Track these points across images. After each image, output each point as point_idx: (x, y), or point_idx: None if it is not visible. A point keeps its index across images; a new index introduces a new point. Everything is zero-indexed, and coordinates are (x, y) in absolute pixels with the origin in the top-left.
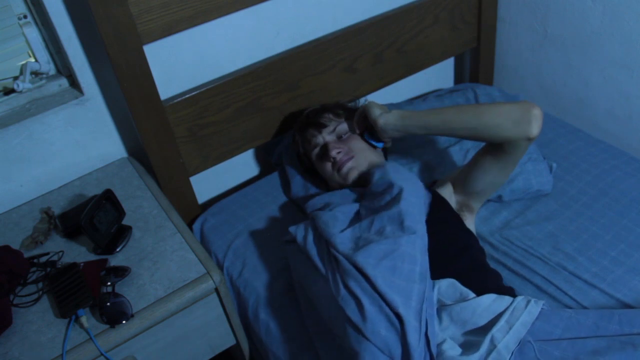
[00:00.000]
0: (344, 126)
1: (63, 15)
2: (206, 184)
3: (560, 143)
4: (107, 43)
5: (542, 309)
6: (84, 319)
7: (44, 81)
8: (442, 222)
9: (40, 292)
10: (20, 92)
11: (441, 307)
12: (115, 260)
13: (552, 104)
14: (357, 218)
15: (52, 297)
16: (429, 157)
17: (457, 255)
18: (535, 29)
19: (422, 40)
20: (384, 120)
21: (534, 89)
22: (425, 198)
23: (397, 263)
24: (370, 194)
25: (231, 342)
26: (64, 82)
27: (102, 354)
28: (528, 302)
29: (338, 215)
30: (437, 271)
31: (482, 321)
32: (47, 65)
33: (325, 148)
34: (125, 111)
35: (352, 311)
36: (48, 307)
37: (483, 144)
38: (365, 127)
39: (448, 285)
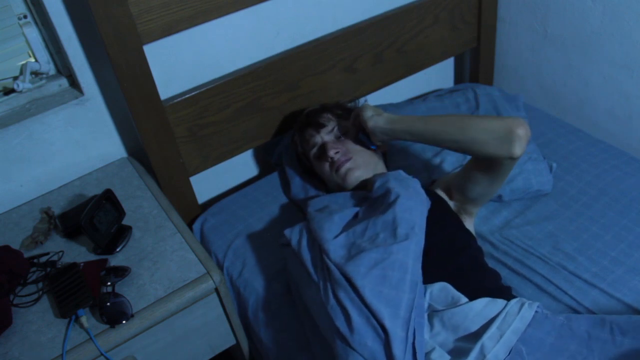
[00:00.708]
0: (342, 126)
1: (63, 15)
2: (206, 184)
3: (560, 143)
4: (107, 43)
5: (536, 312)
6: (84, 319)
7: (44, 81)
8: (440, 222)
9: (40, 292)
10: (20, 92)
11: (432, 313)
12: (115, 260)
13: (552, 104)
14: (353, 222)
15: (52, 297)
16: (429, 157)
17: (455, 255)
18: (535, 29)
19: (422, 40)
20: (374, 122)
21: (534, 89)
22: (425, 203)
23: (387, 272)
24: (369, 200)
25: (231, 342)
26: (64, 82)
27: (102, 354)
28: (521, 306)
29: (334, 219)
30: (435, 271)
31: (474, 326)
32: (47, 65)
33: (323, 148)
34: (125, 111)
35: (340, 322)
36: (48, 307)
37: None
38: (360, 128)
39: (440, 289)
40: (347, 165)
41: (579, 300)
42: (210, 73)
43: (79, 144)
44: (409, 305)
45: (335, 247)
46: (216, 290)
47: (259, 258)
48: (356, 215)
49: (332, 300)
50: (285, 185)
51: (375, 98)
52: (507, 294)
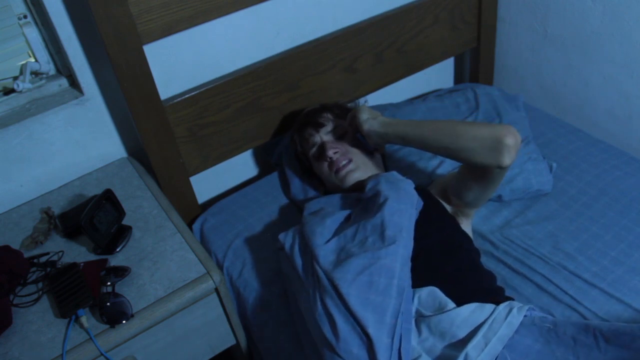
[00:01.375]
0: (342, 127)
1: (63, 15)
2: (206, 184)
3: (560, 143)
4: (107, 43)
5: (525, 316)
6: (84, 319)
7: (44, 81)
8: (435, 223)
9: (40, 292)
10: (20, 92)
11: (420, 318)
12: (115, 260)
13: (552, 104)
14: (344, 225)
15: (52, 297)
16: (428, 157)
17: (450, 256)
18: (535, 29)
19: (422, 40)
20: (369, 126)
21: (534, 89)
22: (416, 204)
23: (374, 278)
24: (362, 201)
25: (231, 342)
26: (64, 82)
27: (102, 354)
28: (509, 311)
29: (327, 222)
30: (428, 272)
31: (461, 333)
32: (47, 65)
33: (322, 148)
34: (125, 111)
35: (326, 329)
36: (48, 307)
37: None
38: (357, 129)
39: (428, 294)
40: (349, 167)
41: (579, 300)
42: (210, 73)
43: (79, 144)
44: (395, 310)
45: (326, 253)
46: (216, 290)
47: (259, 258)
48: (349, 218)
49: (319, 308)
50: (285, 185)
51: (375, 98)
52: (500, 295)
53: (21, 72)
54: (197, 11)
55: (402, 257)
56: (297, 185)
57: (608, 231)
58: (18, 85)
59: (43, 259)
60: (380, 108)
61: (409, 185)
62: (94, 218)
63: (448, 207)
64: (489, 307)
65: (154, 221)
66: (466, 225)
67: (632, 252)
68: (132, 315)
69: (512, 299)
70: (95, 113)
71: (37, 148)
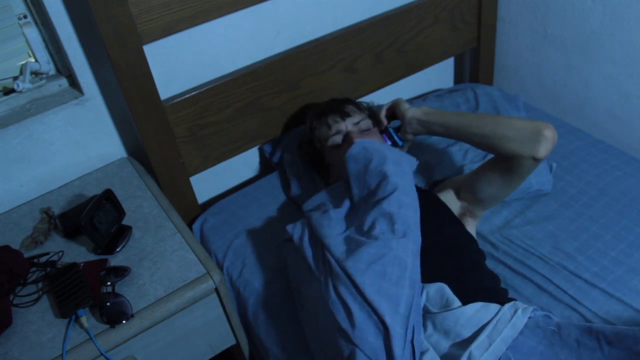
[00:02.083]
0: (366, 122)
1: (63, 15)
2: (206, 184)
3: (560, 143)
4: (107, 43)
5: (529, 317)
6: (84, 319)
7: (44, 81)
8: (439, 224)
9: (40, 292)
10: (20, 92)
11: (426, 315)
12: (115, 260)
13: (552, 104)
14: (350, 215)
15: (52, 297)
16: (428, 157)
17: (454, 257)
18: (535, 29)
19: (422, 40)
20: (412, 113)
21: (534, 89)
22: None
23: (386, 268)
24: (361, 181)
25: (231, 342)
26: (64, 82)
27: (102, 354)
28: (514, 312)
29: (330, 215)
30: (433, 272)
31: (465, 332)
32: (47, 65)
33: (348, 136)
34: (125, 111)
35: (341, 317)
36: (48, 307)
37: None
38: (391, 120)
39: (436, 291)
40: None
41: (579, 300)
42: (210, 73)
43: (79, 144)
44: (408, 302)
45: (337, 243)
46: (216, 290)
47: (259, 258)
48: (352, 207)
49: (333, 296)
50: (285, 185)
51: (375, 98)
52: (503, 296)
53: (21, 72)
54: (197, 11)
55: (412, 252)
56: (297, 185)
57: (608, 231)
58: (18, 85)
59: (43, 259)
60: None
61: (411, 165)
62: (94, 218)
63: (455, 209)
64: (494, 307)
65: (154, 221)
66: (471, 227)
67: (632, 252)
68: (132, 315)
69: (515, 300)
70: (95, 113)
71: (37, 148)
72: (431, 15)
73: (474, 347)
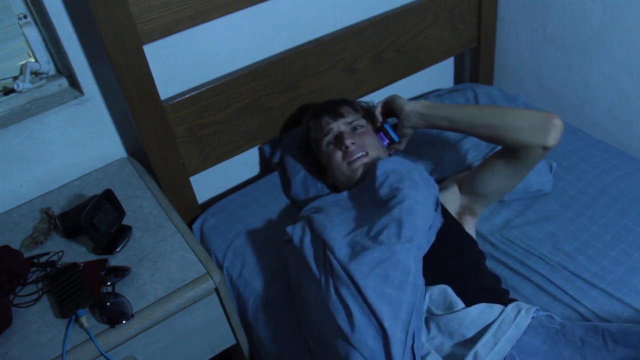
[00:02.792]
0: (360, 121)
1: (63, 15)
2: (206, 184)
3: (560, 143)
4: (107, 43)
5: (532, 318)
6: (84, 319)
7: (44, 81)
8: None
9: (40, 292)
10: (20, 92)
11: (430, 317)
12: (115, 260)
13: (552, 104)
14: (355, 219)
15: (52, 297)
16: (428, 157)
17: (453, 257)
18: (535, 29)
19: (422, 40)
20: (411, 107)
21: (534, 89)
22: (435, 205)
23: (389, 271)
24: (370, 190)
25: (231, 342)
26: (64, 82)
27: (102, 354)
28: (518, 312)
29: (334, 220)
30: (433, 273)
31: (470, 333)
32: (47, 65)
33: (339, 136)
34: (125, 111)
35: (341, 319)
36: (48, 307)
37: (483, 146)
38: (387, 116)
39: (439, 293)
40: (363, 160)
41: (579, 300)
42: (210, 73)
43: (79, 144)
44: (409, 307)
45: (341, 246)
46: (216, 290)
47: (259, 258)
48: (357, 211)
49: (333, 297)
50: (285, 185)
51: (375, 98)
52: (505, 297)
53: (21, 72)
54: (197, 11)
55: (415, 258)
56: (297, 185)
57: (608, 231)
58: (18, 85)
59: (43, 259)
60: None
61: (426, 178)
62: (94, 218)
63: (455, 208)
64: (498, 307)
65: (154, 221)
66: (470, 227)
67: (632, 252)
68: (132, 315)
69: (517, 301)
70: (95, 113)
71: (37, 148)
72: (431, 15)
73: (479, 347)
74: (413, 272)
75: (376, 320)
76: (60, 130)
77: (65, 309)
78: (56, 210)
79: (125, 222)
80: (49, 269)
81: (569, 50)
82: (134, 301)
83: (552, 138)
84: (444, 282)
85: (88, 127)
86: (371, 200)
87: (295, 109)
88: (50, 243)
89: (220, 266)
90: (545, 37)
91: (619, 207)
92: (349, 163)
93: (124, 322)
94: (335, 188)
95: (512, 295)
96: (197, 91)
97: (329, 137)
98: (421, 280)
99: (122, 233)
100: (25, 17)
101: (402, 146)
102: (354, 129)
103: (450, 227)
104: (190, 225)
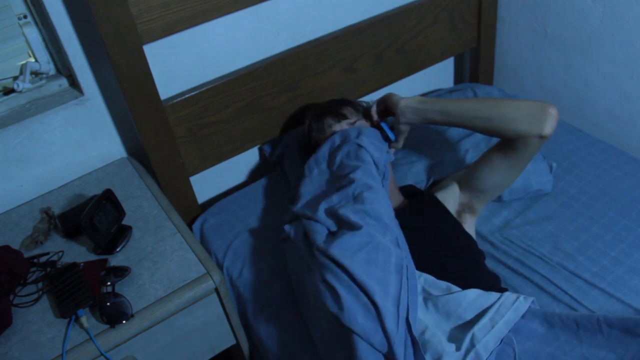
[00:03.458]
0: (362, 122)
1: (63, 15)
2: (206, 184)
3: (560, 143)
4: (107, 43)
5: (530, 306)
6: (84, 319)
7: (44, 81)
8: (437, 224)
9: (40, 292)
10: (20, 92)
11: (428, 297)
12: (115, 260)
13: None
14: (326, 191)
15: (52, 297)
16: (428, 157)
17: (453, 257)
18: (535, 29)
19: (422, 40)
20: (405, 102)
21: (534, 89)
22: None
23: (371, 255)
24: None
25: (231, 342)
26: (64, 82)
27: (102, 354)
28: (516, 299)
29: (311, 203)
30: (432, 273)
31: (468, 315)
32: (47, 65)
33: None
34: (125, 111)
35: (330, 302)
36: (48, 307)
37: (483, 146)
38: (383, 115)
39: (433, 280)
40: None
41: (579, 300)
42: (210, 73)
43: (79, 144)
44: (397, 284)
45: (321, 236)
46: (216, 290)
47: (259, 258)
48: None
49: (321, 286)
50: (285, 185)
51: (376, 98)
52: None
53: (21, 72)
54: (197, 11)
55: (391, 241)
56: None
57: (608, 231)
58: (18, 85)
59: (43, 259)
60: None
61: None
62: (94, 218)
63: (454, 206)
64: (495, 294)
65: (154, 221)
66: (470, 226)
67: (632, 252)
68: (132, 315)
69: None
70: (95, 113)
71: (37, 148)
72: (431, 15)
73: (476, 329)
74: (394, 253)
75: (366, 296)
76: (60, 130)
77: (65, 309)
78: (56, 210)
79: (125, 222)
80: (49, 269)
81: (569, 50)
82: (134, 301)
83: (549, 127)
84: (444, 281)
85: (88, 127)
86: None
87: (295, 109)
88: (50, 243)
89: (220, 266)
90: (545, 37)
91: (619, 207)
92: None
93: (124, 322)
94: None
95: None
96: (197, 91)
97: None
98: (404, 261)
99: (122, 233)
100: (25, 17)
101: (399, 144)
102: None
103: (450, 227)
104: (190, 225)
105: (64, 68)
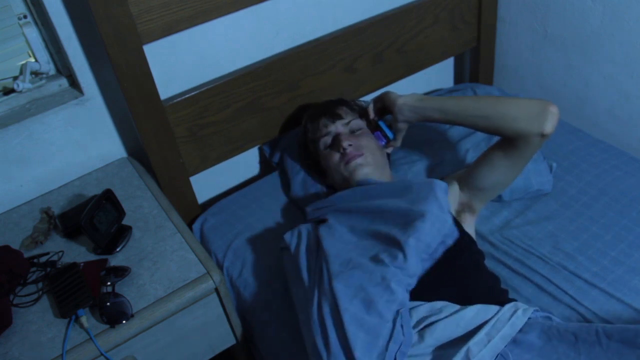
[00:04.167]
0: (358, 122)
1: (63, 15)
2: (206, 184)
3: (560, 143)
4: (107, 43)
5: (529, 318)
6: (84, 319)
7: (44, 81)
8: None
9: (40, 292)
10: (20, 92)
11: (425, 328)
12: (115, 260)
13: None
14: (359, 228)
15: (52, 297)
16: (428, 156)
17: (452, 258)
18: (535, 29)
19: (422, 40)
20: (403, 100)
21: (534, 89)
22: (445, 230)
23: (375, 298)
24: (381, 209)
25: (231, 342)
26: (64, 82)
27: (102, 354)
28: (514, 312)
29: (338, 228)
30: (431, 273)
31: (463, 331)
32: (47, 65)
33: (336, 138)
34: (125, 111)
35: (319, 340)
36: (48, 307)
37: (483, 146)
38: (381, 113)
39: (431, 307)
40: (358, 160)
41: (579, 300)
42: (210, 73)
43: (79, 144)
44: (388, 335)
45: (335, 259)
46: (216, 290)
47: (259, 258)
48: (364, 217)
49: (315, 315)
50: (285, 185)
51: None
52: (504, 297)
53: (21, 72)
54: (197, 11)
55: (406, 284)
56: (297, 185)
57: (608, 231)
58: (18, 85)
59: (43, 259)
60: None
61: (444, 201)
62: (94, 218)
63: (452, 208)
64: (494, 308)
65: (154, 221)
66: (469, 226)
67: (632, 252)
68: (132, 315)
69: (516, 301)
70: (95, 113)
71: (37, 148)
72: (431, 15)
73: (472, 343)
74: (400, 300)
75: (348, 350)
76: (60, 130)
77: (65, 309)
78: (56, 210)
79: (125, 222)
80: (49, 269)
81: (569, 50)
82: (134, 301)
83: (549, 125)
84: (442, 283)
85: (88, 127)
86: (385, 205)
87: (295, 109)
88: (50, 243)
89: (220, 266)
90: (545, 37)
91: (619, 207)
92: (346, 164)
93: (124, 322)
94: (333, 189)
95: (512, 295)
96: (197, 91)
97: (327, 139)
98: (406, 308)
99: (122, 233)
100: (25, 17)
101: (397, 143)
102: (352, 131)
103: None
104: (190, 225)
105: (64, 68)
